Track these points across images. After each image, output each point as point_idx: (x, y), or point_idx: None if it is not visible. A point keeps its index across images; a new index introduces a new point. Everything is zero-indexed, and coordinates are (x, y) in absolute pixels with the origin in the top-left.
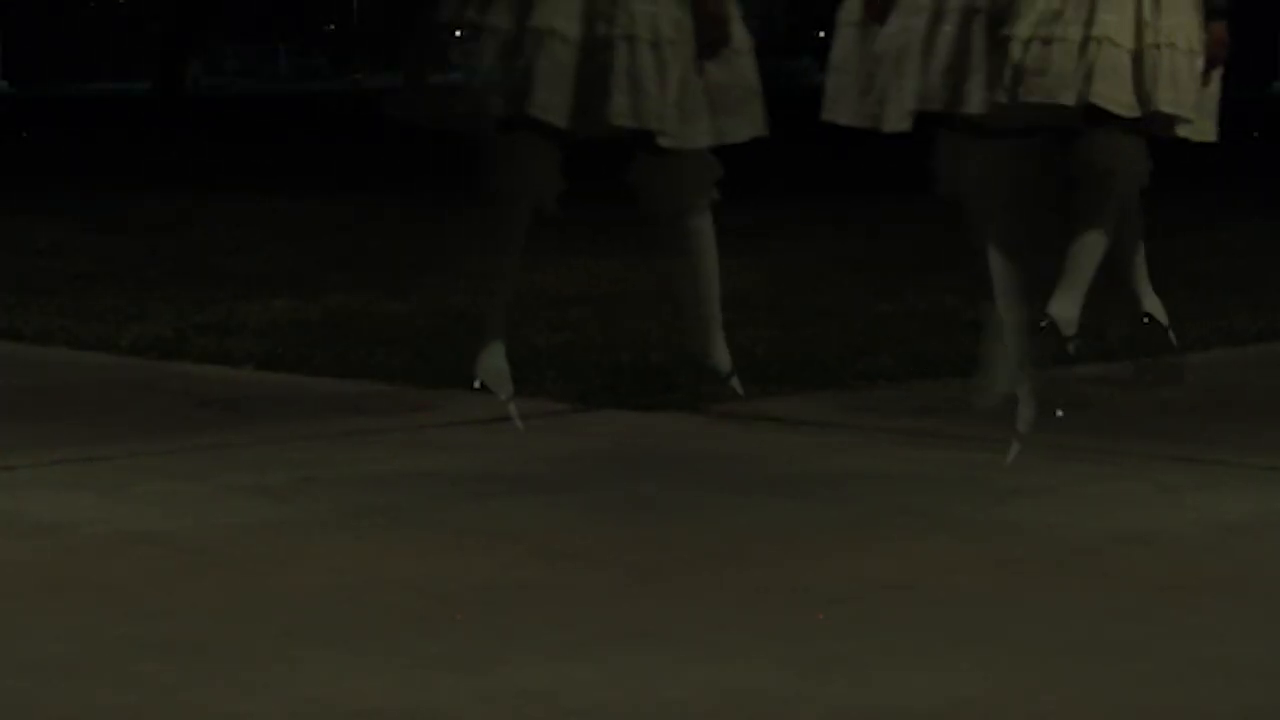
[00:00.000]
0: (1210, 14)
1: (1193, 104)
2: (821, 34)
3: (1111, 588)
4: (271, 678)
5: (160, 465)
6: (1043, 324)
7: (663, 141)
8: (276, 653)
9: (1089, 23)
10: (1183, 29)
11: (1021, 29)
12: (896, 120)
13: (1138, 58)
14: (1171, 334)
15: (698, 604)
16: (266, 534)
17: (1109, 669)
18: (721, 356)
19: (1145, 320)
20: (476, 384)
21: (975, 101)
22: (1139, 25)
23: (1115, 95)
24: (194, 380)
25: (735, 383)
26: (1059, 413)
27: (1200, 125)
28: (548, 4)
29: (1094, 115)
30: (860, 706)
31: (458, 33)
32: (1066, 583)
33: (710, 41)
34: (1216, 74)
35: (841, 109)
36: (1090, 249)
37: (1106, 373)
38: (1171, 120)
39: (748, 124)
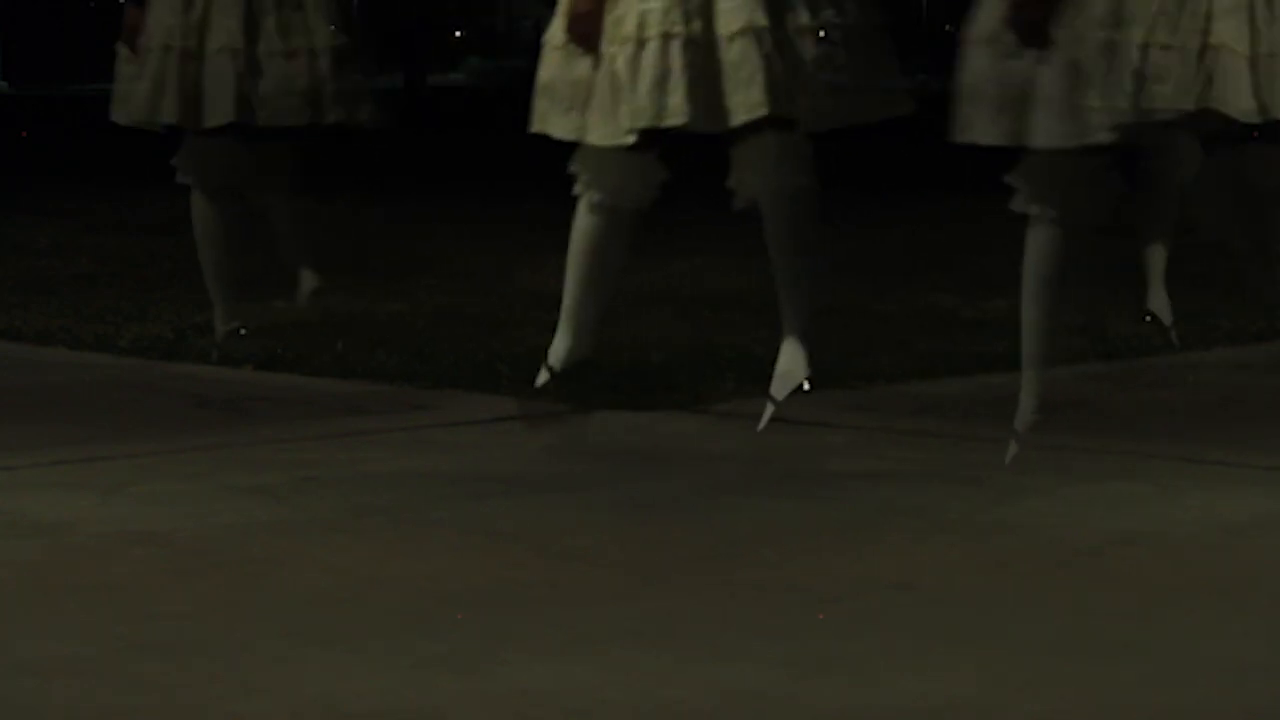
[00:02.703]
0: None
1: None
2: (822, 34)
3: (1111, 588)
4: (271, 678)
5: (160, 465)
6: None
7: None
8: (276, 653)
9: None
10: None
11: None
12: (610, 136)
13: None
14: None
15: (698, 604)
16: (266, 534)
17: (1109, 669)
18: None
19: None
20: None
21: (680, 115)
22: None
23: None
24: (194, 380)
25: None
26: (805, 385)
27: None
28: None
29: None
30: (860, 706)
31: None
32: (1066, 583)
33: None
34: None
35: (551, 124)
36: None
37: (1107, 373)
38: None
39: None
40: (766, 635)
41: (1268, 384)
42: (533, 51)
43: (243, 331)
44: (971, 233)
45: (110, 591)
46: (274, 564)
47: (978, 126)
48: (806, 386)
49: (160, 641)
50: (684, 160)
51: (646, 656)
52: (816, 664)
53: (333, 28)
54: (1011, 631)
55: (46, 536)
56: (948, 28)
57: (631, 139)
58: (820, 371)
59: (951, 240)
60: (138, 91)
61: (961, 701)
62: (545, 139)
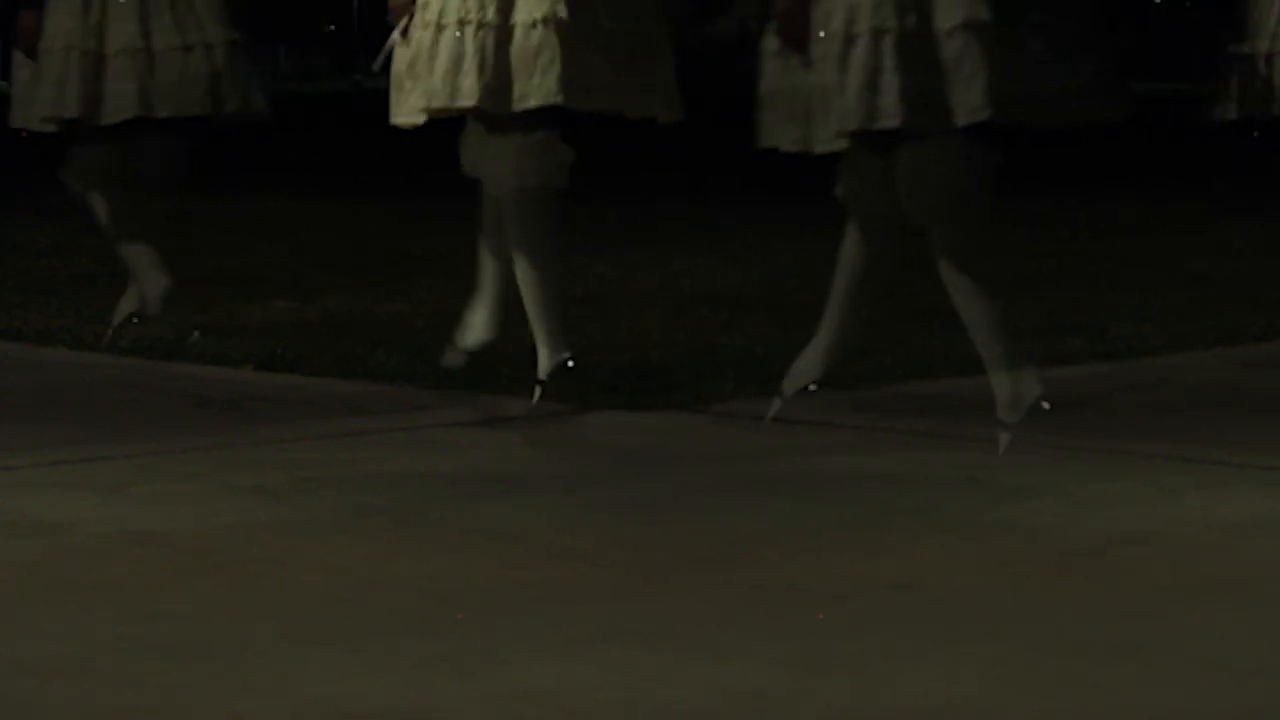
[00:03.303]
0: None
1: None
2: (821, 34)
3: (1111, 588)
4: (271, 678)
5: (160, 465)
6: None
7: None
8: (276, 653)
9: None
10: None
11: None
12: (407, 116)
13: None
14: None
15: (698, 604)
16: (266, 534)
17: (1109, 669)
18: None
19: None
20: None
21: (468, 97)
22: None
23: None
24: (194, 380)
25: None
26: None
27: None
28: None
29: None
30: (860, 706)
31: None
32: (1066, 583)
33: None
34: None
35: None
36: None
37: (1107, 373)
38: None
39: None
40: (766, 635)
41: (1268, 384)
42: None
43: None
44: None
45: (110, 591)
46: (274, 564)
47: (775, 134)
48: (813, 388)
49: (160, 641)
50: (684, 161)
51: (646, 656)
52: (816, 664)
53: (224, 21)
54: (1011, 631)
55: (46, 536)
56: None
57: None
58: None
59: None
60: (39, 93)
61: (962, 701)
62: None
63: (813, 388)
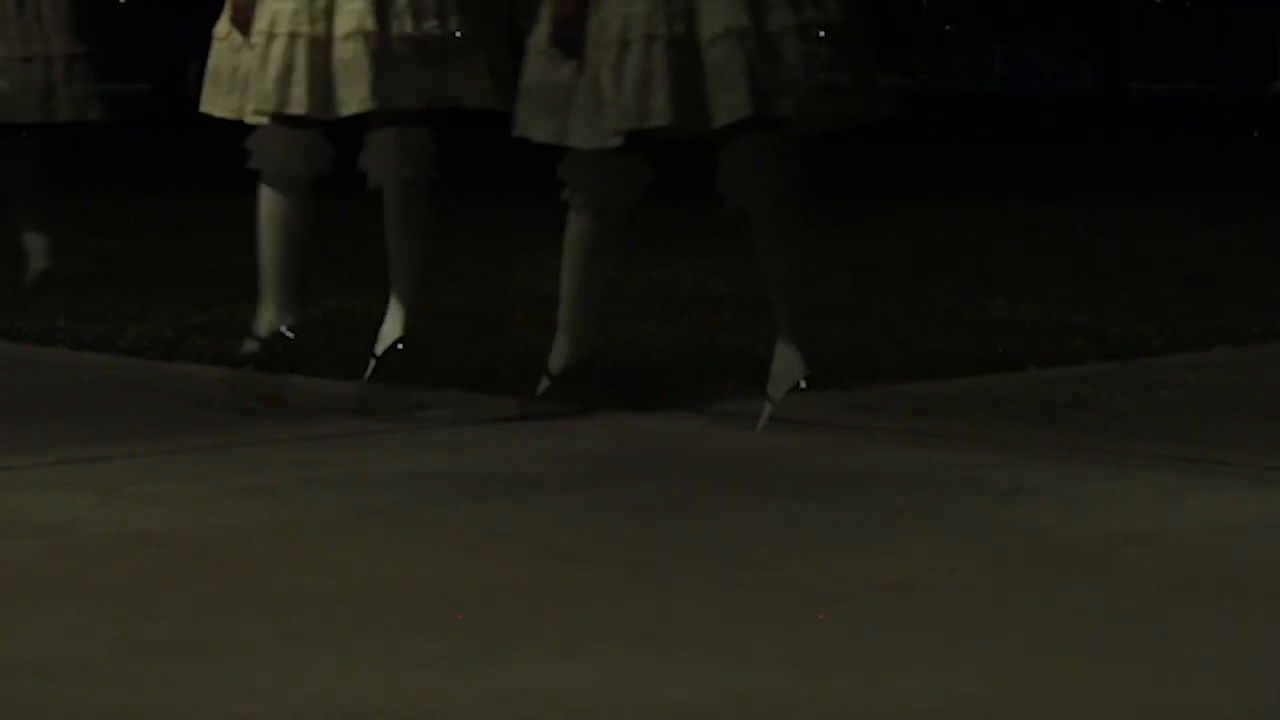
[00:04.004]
0: None
1: None
2: (822, 34)
3: (1111, 588)
4: (271, 678)
5: (160, 465)
6: None
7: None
8: (276, 653)
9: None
10: None
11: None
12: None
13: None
14: None
15: (698, 604)
16: (266, 534)
17: (1109, 669)
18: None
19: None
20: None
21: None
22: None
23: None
24: (194, 380)
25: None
26: (803, 385)
27: None
28: None
29: None
30: (860, 706)
31: None
32: (1066, 583)
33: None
34: None
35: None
36: None
37: (1107, 373)
38: None
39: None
40: (766, 635)
41: (1268, 384)
42: None
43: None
44: (971, 233)
45: (110, 591)
46: (274, 564)
47: (531, 125)
48: (803, 385)
49: (160, 641)
50: (681, 161)
51: (646, 656)
52: (816, 664)
53: (67, 35)
54: (1012, 631)
55: (46, 536)
56: (948, 28)
57: (617, 141)
58: (820, 371)
59: (951, 240)
60: None
61: (962, 701)
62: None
63: (803, 385)
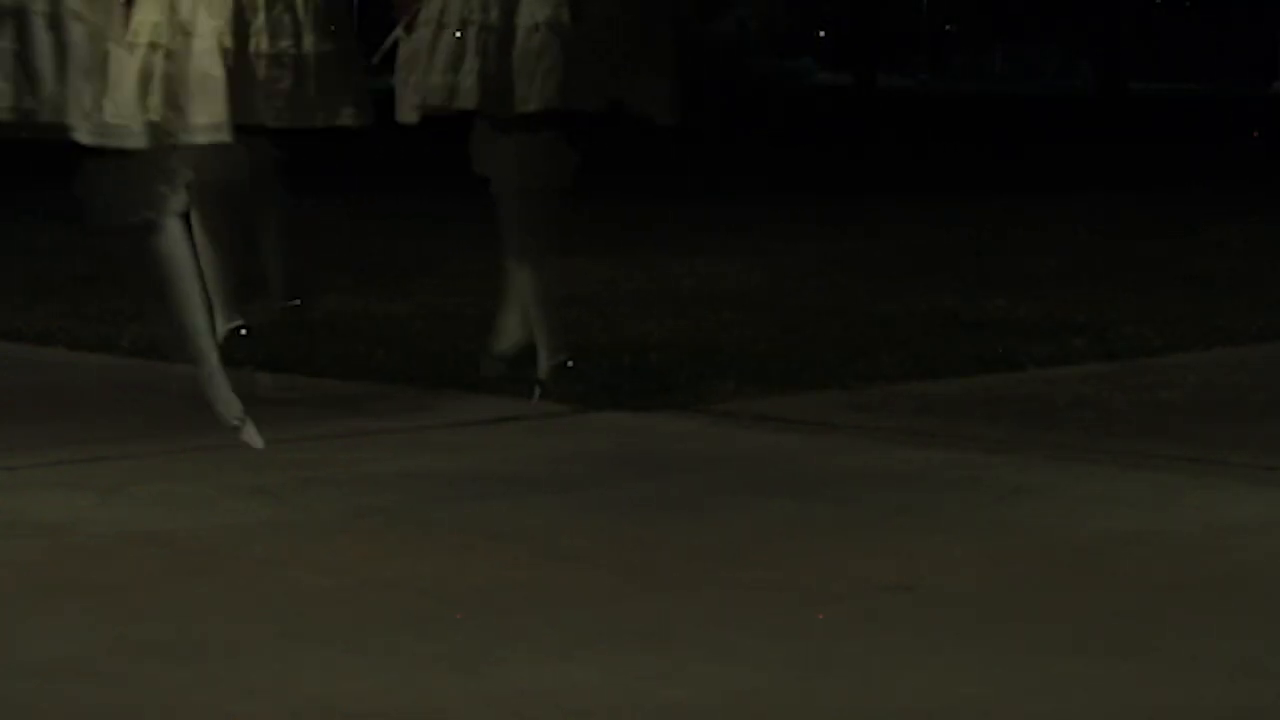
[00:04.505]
0: None
1: None
2: (822, 34)
3: (1111, 588)
4: (271, 678)
5: (160, 465)
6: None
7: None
8: (276, 653)
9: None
10: None
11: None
12: (407, 114)
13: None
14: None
15: (698, 604)
16: (266, 534)
17: (1109, 669)
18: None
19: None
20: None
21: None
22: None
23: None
24: (194, 380)
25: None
26: (569, 364)
27: None
28: None
29: None
30: (860, 706)
31: None
32: (1066, 583)
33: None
34: None
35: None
36: None
37: (1107, 372)
38: None
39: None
40: (766, 635)
41: (1268, 384)
42: None
43: None
44: (971, 233)
45: (110, 591)
46: (274, 564)
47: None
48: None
49: (160, 641)
50: (684, 161)
51: (646, 656)
52: (816, 664)
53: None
54: (1012, 631)
55: (46, 536)
56: (948, 28)
57: (415, 117)
58: (821, 371)
59: (951, 240)
60: None
61: (962, 701)
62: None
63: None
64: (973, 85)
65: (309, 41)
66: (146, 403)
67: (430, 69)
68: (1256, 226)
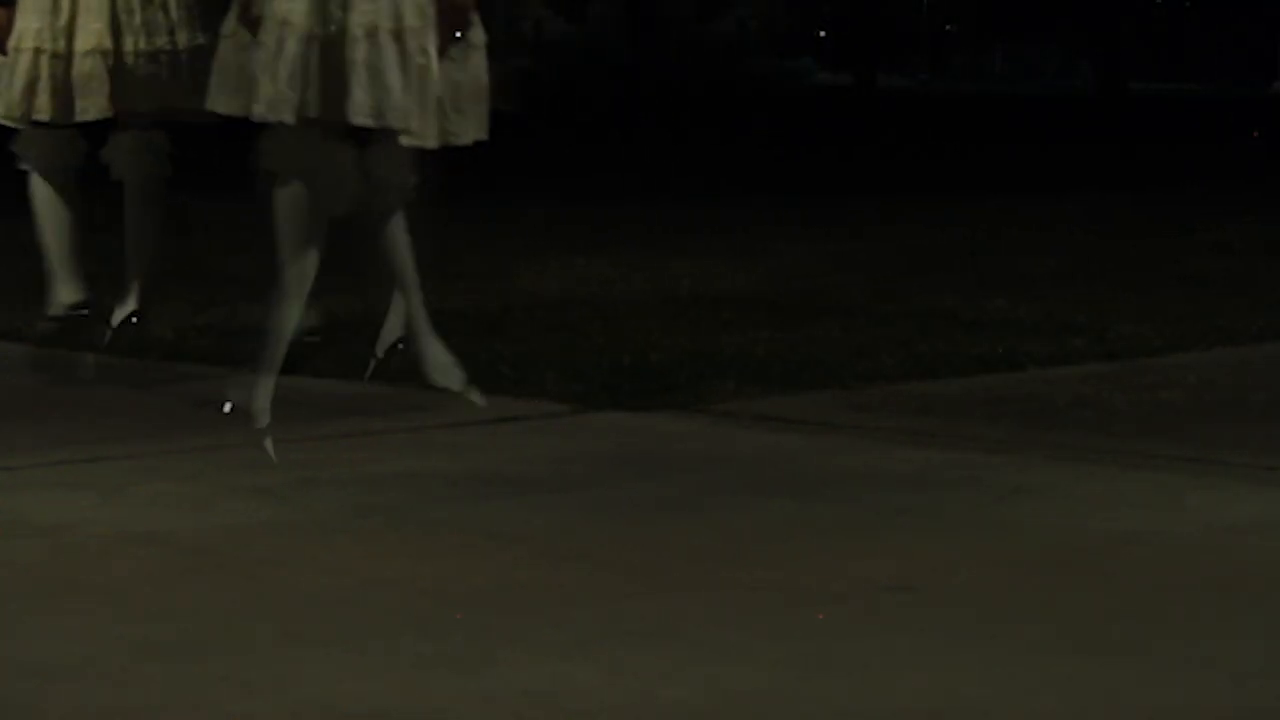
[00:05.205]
0: None
1: None
2: (822, 34)
3: (1111, 588)
4: (271, 678)
5: (160, 465)
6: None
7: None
8: (276, 653)
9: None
10: None
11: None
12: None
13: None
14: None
15: (698, 604)
16: (266, 534)
17: (1109, 669)
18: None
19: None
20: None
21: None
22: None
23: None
24: (194, 381)
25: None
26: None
27: None
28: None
29: None
30: (860, 706)
31: None
32: (1066, 583)
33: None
34: None
35: (221, 103)
36: None
37: (1107, 373)
38: None
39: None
40: (766, 635)
41: (1268, 384)
42: (533, 50)
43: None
44: (971, 233)
45: (110, 591)
46: (274, 564)
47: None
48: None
49: (160, 641)
50: (684, 161)
51: (646, 656)
52: (816, 664)
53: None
54: (1012, 631)
55: (47, 536)
56: (948, 28)
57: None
58: (821, 371)
59: (951, 241)
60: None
61: (961, 701)
62: (551, 142)
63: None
64: (973, 85)
65: (182, 38)
66: (146, 403)
67: (10, 88)
68: (1256, 226)
